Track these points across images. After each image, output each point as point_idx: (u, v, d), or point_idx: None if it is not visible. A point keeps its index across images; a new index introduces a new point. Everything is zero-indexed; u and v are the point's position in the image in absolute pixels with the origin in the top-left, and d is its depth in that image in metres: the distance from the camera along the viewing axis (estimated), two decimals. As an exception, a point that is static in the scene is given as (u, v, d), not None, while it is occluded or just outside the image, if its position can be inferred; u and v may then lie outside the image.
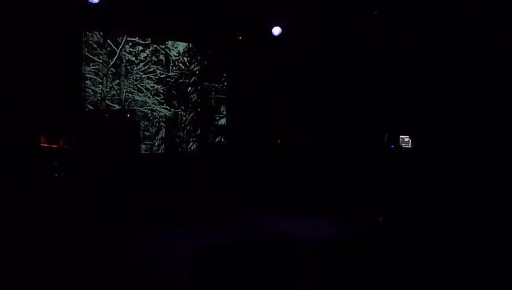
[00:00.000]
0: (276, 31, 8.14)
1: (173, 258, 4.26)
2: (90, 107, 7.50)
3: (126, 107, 7.79)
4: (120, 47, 7.83)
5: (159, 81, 8.21)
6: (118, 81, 7.81)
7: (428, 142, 5.72)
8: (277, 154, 8.70)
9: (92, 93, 7.53)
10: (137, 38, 7.96)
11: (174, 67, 8.42)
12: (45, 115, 6.69)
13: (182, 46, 8.50)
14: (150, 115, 8.10)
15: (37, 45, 6.71)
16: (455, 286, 3.14)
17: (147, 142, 8.10)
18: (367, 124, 7.35)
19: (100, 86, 7.61)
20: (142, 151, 7.99)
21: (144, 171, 7.46)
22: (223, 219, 6.11)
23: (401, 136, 5.64)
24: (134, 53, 7.96)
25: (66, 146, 6.58)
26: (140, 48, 8.02)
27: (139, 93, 8.02)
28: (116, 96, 7.76)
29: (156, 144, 8.20)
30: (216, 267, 2.57)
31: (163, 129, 8.27)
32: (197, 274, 2.53)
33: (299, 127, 8.81)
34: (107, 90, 7.67)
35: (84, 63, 7.42)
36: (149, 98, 8.11)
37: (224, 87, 8.98)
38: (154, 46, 8.17)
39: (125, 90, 7.86)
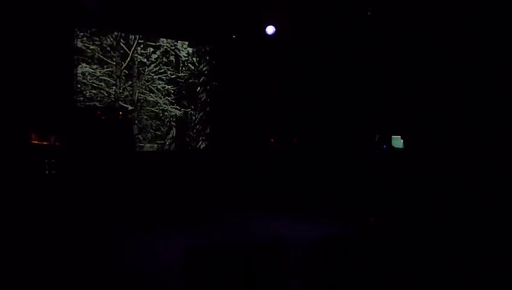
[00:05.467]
0: (270, 30, 8.23)
1: (166, 258, 4.33)
2: (99, 105, 7.75)
3: (138, 108, 8.16)
4: (132, 49, 8.14)
5: (169, 81, 8.53)
6: (131, 82, 8.14)
7: (420, 142, 5.89)
8: (270, 155, 8.85)
9: (106, 94, 7.89)
10: (147, 40, 8.27)
11: (183, 68, 8.73)
12: (36, 112, 6.60)
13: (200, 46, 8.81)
14: (161, 114, 8.46)
15: (28, 41, 6.62)
16: (449, 286, 3.33)
17: (158, 141, 8.47)
18: (359, 125, 7.51)
19: (114, 87, 7.95)
20: (152, 149, 8.36)
21: (140, 170, 7.49)
22: (217, 219, 6.21)
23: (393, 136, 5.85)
24: (145, 55, 8.28)
25: (57, 143, 6.50)
26: (152, 49, 8.33)
27: (151, 94, 8.36)
28: (129, 97, 8.11)
29: (167, 143, 8.58)
30: (208, 268, 2.80)
31: (174, 129, 8.64)
32: (189, 274, 2.77)
33: (292, 127, 8.96)
34: (120, 91, 8.02)
35: (77, 60, 7.49)
36: (160, 98, 8.45)
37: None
38: (165, 47, 8.47)
39: (137, 91, 8.20)
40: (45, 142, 6.47)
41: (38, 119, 6.59)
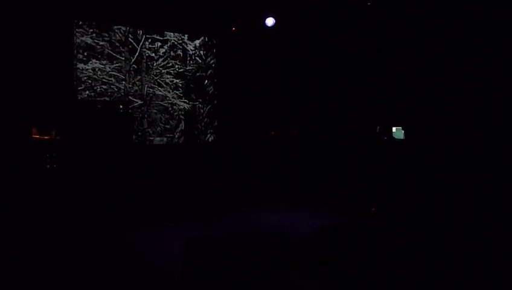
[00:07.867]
0: (270, 22, 8.24)
1: (167, 248, 4.37)
2: (106, 99, 7.88)
3: (147, 102, 8.31)
4: (140, 44, 8.26)
5: (177, 75, 8.65)
6: (140, 77, 8.28)
7: (421, 132, 5.89)
8: (270, 146, 8.88)
9: (116, 89, 8.04)
10: (155, 34, 8.38)
11: (191, 61, 8.83)
12: (36, 106, 6.59)
13: (198, 39, 8.87)
14: (170, 108, 8.60)
15: (27, 35, 6.59)
16: (446, 276, 3.32)
17: (168, 135, 8.63)
18: (360, 116, 7.50)
19: (123, 82, 8.10)
20: (162, 143, 8.52)
21: (148, 162, 7.61)
22: (219, 210, 6.28)
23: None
24: (153, 49, 8.39)
25: (58, 137, 6.50)
26: (159, 43, 8.44)
27: (160, 88, 8.49)
28: (139, 92, 8.27)
29: (176, 136, 8.73)
30: (208, 258, 2.88)
31: (183, 122, 8.78)
32: (189, 264, 2.85)
33: (293, 118, 8.97)
34: (130, 86, 8.18)
35: (76, 53, 7.50)
36: (169, 92, 8.58)
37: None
38: (172, 41, 8.58)
39: (146, 85, 8.34)
40: (46, 136, 6.51)
41: (38, 114, 6.61)
